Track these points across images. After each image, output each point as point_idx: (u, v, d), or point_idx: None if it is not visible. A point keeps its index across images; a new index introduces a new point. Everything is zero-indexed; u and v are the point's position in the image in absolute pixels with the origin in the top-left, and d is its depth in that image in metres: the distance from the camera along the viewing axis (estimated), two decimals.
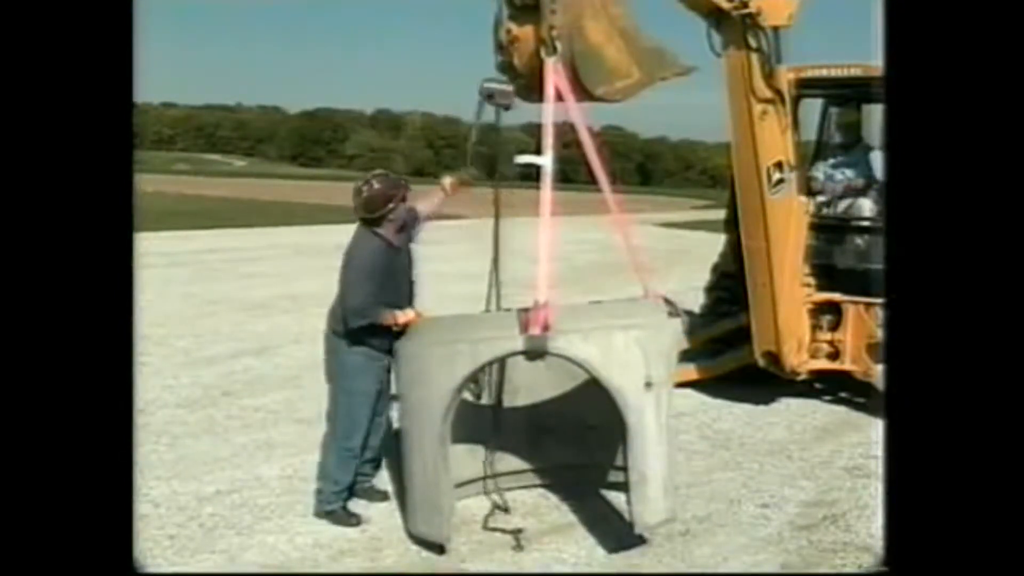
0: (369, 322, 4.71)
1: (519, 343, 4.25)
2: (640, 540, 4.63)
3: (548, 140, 4.48)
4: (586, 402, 5.07)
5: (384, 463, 5.44)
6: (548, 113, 4.50)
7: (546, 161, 4.49)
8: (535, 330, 4.19)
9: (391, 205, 4.80)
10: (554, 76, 4.55)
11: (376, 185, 4.83)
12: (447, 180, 5.17)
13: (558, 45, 4.55)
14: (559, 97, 4.58)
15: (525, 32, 4.75)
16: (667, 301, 4.84)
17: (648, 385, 4.42)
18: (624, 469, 4.73)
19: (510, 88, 4.86)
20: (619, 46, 4.68)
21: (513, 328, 4.26)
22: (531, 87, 4.80)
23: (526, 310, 4.27)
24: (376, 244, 4.81)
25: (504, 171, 5.18)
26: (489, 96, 4.84)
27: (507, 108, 4.89)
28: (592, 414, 5.50)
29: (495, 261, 5.08)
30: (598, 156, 4.74)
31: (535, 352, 4.33)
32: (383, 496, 5.27)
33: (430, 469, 4.48)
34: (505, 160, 5.17)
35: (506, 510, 5.10)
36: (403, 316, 4.65)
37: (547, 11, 4.57)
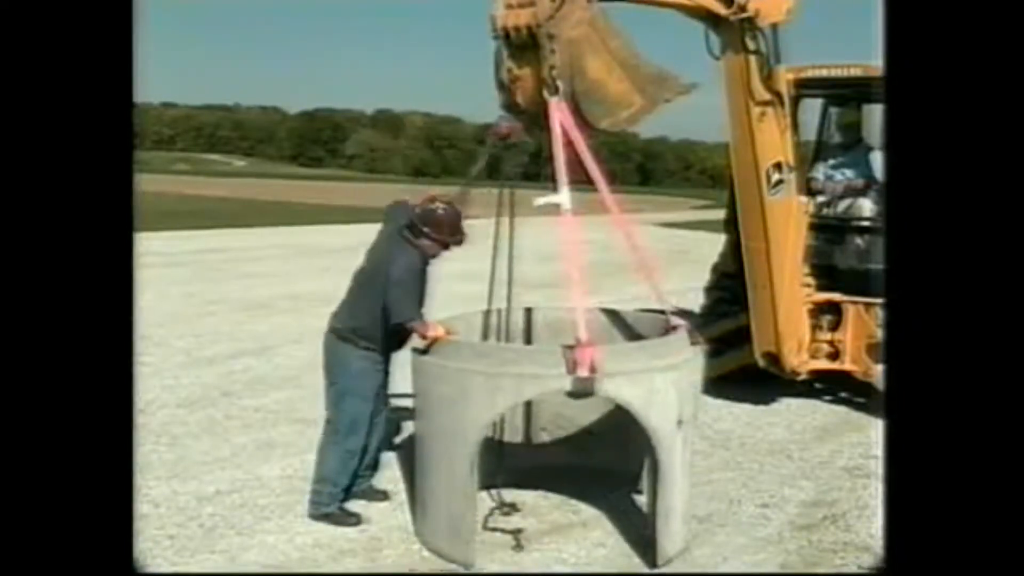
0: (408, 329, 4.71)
1: (566, 383, 4.25)
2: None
3: (562, 179, 4.48)
4: (582, 404, 5.08)
5: (383, 463, 5.45)
6: (558, 154, 4.48)
7: (564, 200, 4.50)
8: (583, 372, 4.20)
9: (456, 237, 4.87)
10: (559, 114, 4.55)
11: (456, 210, 4.90)
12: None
13: (560, 85, 4.55)
14: (565, 134, 4.57)
15: (525, 72, 4.75)
16: (677, 314, 4.88)
17: (679, 423, 4.52)
18: (643, 491, 4.71)
19: (519, 125, 4.95)
20: (620, 76, 4.66)
21: (559, 367, 4.24)
22: (535, 123, 4.83)
23: (571, 347, 4.25)
24: (416, 258, 4.82)
25: (507, 171, 5.20)
26: (505, 136, 4.96)
27: (515, 146, 5.01)
28: (587, 416, 5.53)
29: (509, 262, 5.13)
30: (597, 162, 4.74)
31: (580, 393, 4.34)
32: (383, 496, 5.27)
33: (458, 492, 4.46)
34: (506, 160, 5.18)
35: (512, 508, 5.12)
36: (433, 330, 4.60)
37: (546, 51, 4.54)
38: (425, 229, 4.81)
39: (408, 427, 5.65)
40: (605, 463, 5.60)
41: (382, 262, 4.82)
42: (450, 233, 4.86)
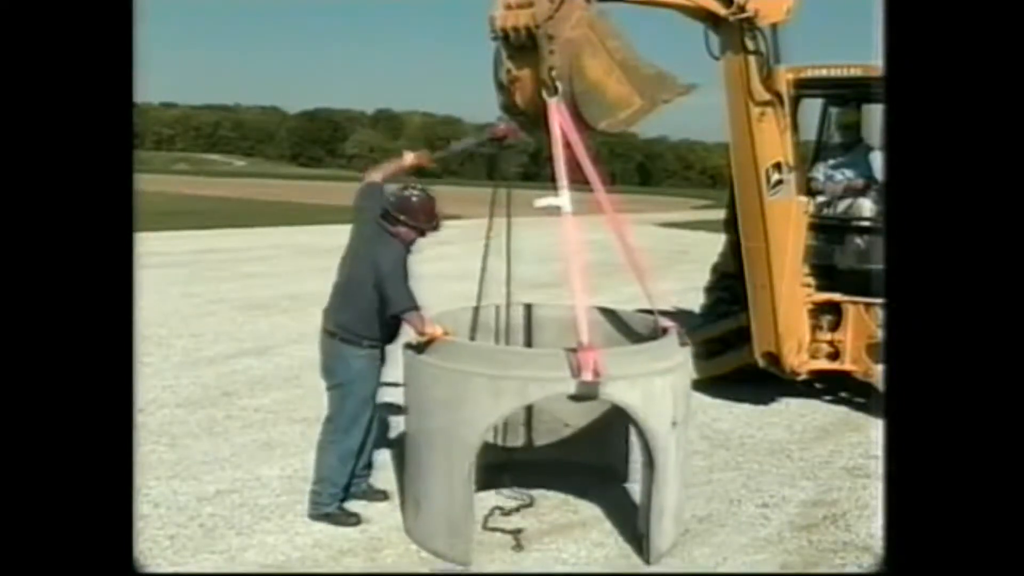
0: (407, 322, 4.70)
1: (571, 386, 4.25)
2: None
3: (562, 182, 4.48)
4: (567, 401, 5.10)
5: (380, 463, 5.44)
6: (558, 155, 4.48)
7: (564, 203, 4.50)
8: (587, 376, 4.21)
9: (432, 223, 4.86)
10: (557, 116, 4.55)
11: (430, 196, 4.89)
12: (409, 155, 5.25)
13: (559, 86, 4.55)
14: (564, 135, 4.57)
15: (524, 73, 4.76)
16: (665, 315, 4.91)
17: (673, 424, 4.55)
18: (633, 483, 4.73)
19: (515, 127, 5.01)
20: (619, 77, 4.66)
21: (563, 370, 4.24)
22: (534, 123, 4.85)
23: (573, 350, 4.26)
24: (401, 249, 4.82)
25: (503, 171, 5.22)
26: (501, 138, 5.02)
27: (512, 147, 5.07)
28: (569, 412, 5.55)
29: (507, 261, 5.18)
30: (595, 163, 4.75)
31: (583, 397, 4.35)
32: (382, 496, 5.26)
33: (458, 495, 4.46)
34: (503, 159, 5.19)
35: (527, 505, 5.16)
36: (431, 328, 4.59)
37: (545, 52, 4.54)
38: (401, 217, 4.80)
39: (401, 425, 5.64)
40: (585, 459, 5.62)
41: (367, 257, 4.81)
42: (426, 220, 4.85)
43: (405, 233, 4.83)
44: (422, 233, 4.88)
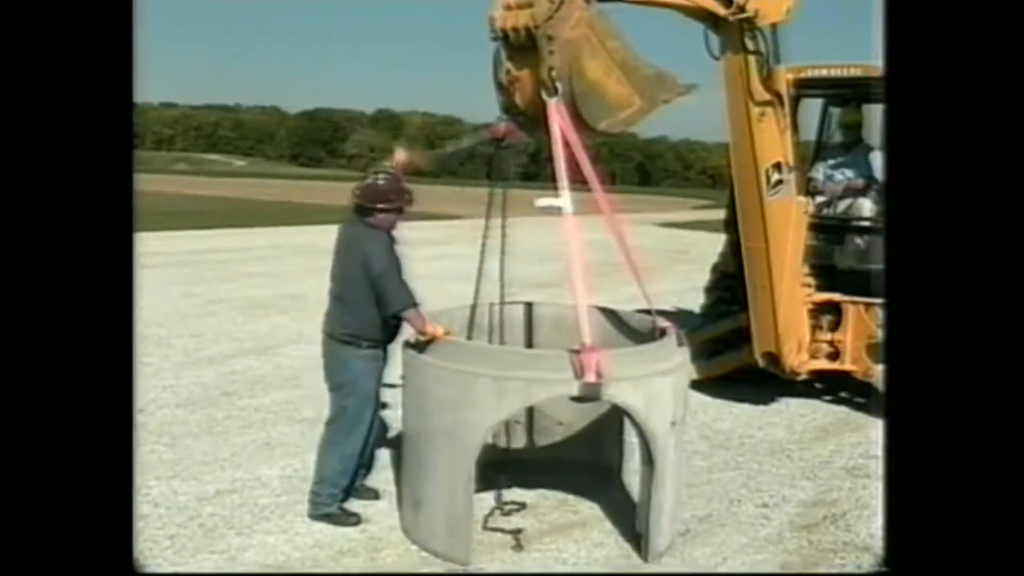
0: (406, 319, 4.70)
1: (574, 388, 4.27)
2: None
3: (563, 183, 4.48)
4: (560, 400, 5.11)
5: (379, 464, 5.43)
6: (558, 155, 4.48)
7: (564, 203, 4.50)
8: (591, 377, 4.22)
9: (406, 197, 4.85)
10: (557, 116, 4.55)
11: (396, 175, 4.89)
12: (401, 153, 5.24)
13: (559, 86, 4.55)
14: (563, 135, 4.57)
15: (524, 74, 4.76)
16: (663, 316, 4.92)
17: (672, 424, 4.57)
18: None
19: (515, 127, 5.02)
20: (619, 77, 4.66)
21: (567, 371, 4.26)
22: (534, 124, 4.85)
23: (576, 351, 4.27)
24: (387, 240, 4.81)
25: (503, 171, 5.22)
26: (501, 138, 5.03)
27: (512, 147, 5.07)
28: (561, 410, 5.56)
29: (501, 260, 5.18)
30: (595, 163, 4.75)
31: (586, 398, 4.36)
32: (374, 494, 5.26)
33: (459, 495, 4.46)
34: (503, 159, 5.20)
35: (522, 506, 5.17)
36: (432, 327, 4.58)
37: (545, 53, 4.54)
38: (377, 204, 4.79)
39: (397, 425, 5.63)
40: (581, 457, 5.63)
41: (355, 256, 4.80)
42: (400, 197, 4.85)
43: (386, 219, 4.82)
44: (400, 211, 4.87)
